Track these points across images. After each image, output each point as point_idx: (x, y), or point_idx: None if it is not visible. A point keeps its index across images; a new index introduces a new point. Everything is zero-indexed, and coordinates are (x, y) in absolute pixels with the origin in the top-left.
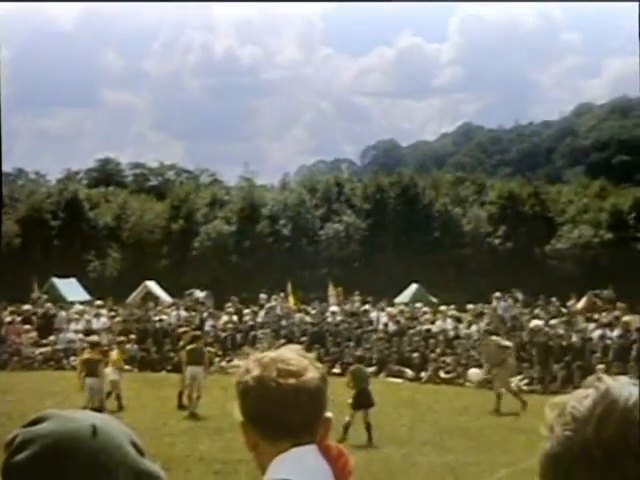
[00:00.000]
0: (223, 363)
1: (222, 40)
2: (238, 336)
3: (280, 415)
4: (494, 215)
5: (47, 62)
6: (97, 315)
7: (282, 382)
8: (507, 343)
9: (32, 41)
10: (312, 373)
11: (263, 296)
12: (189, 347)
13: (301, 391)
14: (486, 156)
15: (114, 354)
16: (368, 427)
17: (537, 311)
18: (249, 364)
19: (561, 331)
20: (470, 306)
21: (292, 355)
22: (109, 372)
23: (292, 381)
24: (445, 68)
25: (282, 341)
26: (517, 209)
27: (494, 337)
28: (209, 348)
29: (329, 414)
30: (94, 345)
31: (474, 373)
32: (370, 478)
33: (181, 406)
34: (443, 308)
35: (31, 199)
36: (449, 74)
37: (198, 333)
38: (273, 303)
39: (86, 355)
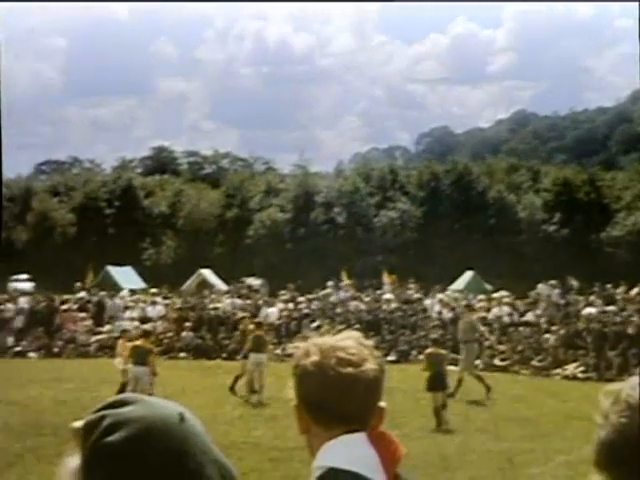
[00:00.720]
0: (278, 351)
1: (276, 28)
2: (292, 324)
3: (335, 403)
4: (549, 202)
5: (102, 51)
6: (152, 303)
7: (341, 371)
8: (481, 329)
9: (87, 30)
10: (371, 364)
11: (330, 283)
12: (254, 334)
13: (358, 381)
14: (541, 143)
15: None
16: (437, 411)
17: (592, 298)
18: (309, 347)
19: (618, 318)
20: (531, 293)
21: (352, 343)
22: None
23: (350, 370)
24: (500, 54)
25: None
26: (572, 196)
27: (474, 316)
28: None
29: (383, 403)
30: (147, 333)
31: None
32: (425, 466)
33: (232, 389)
34: (498, 295)
35: (86, 187)
36: (504, 60)
37: (260, 320)
38: (328, 290)
39: (137, 343)
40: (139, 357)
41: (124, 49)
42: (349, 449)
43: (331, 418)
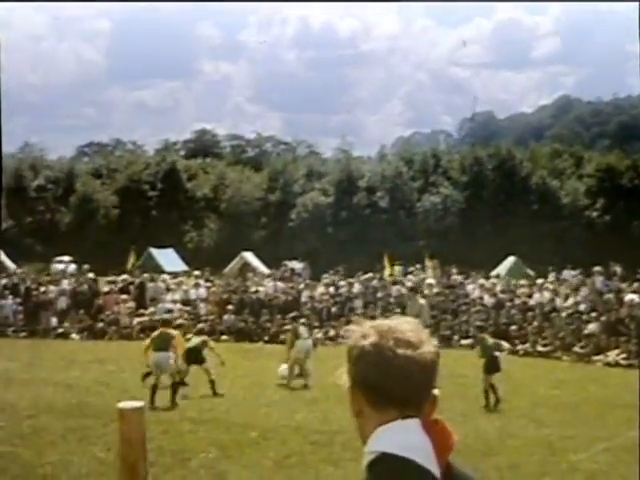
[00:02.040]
0: (319, 334)
1: (320, 12)
2: (334, 308)
3: (391, 384)
4: (592, 188)
5: (146, 34)
6: (196, 285)
7: (398, 352)
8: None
9: (130, 13)
10: (428, 347)
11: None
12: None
13: (416, 363)
14: (584, 128)
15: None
16: (486, 392)
17: (636, 285)
18: (365, 330)
19: None
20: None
21: (410, 327)
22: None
23: (408, 352)
24: (544, 40)
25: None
26: (615, 182)
27: (422, 300)
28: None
29: (436, 391)
30: (166, 322)
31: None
32: (466, 450)
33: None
34: (540, 281)
35: (129, 170)
36: (548, 46)
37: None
38: (370, 275)
39: (159, 330)
40: (162, 343)
41: (168, 32)
42: (403, 435)
43: (386, 401)
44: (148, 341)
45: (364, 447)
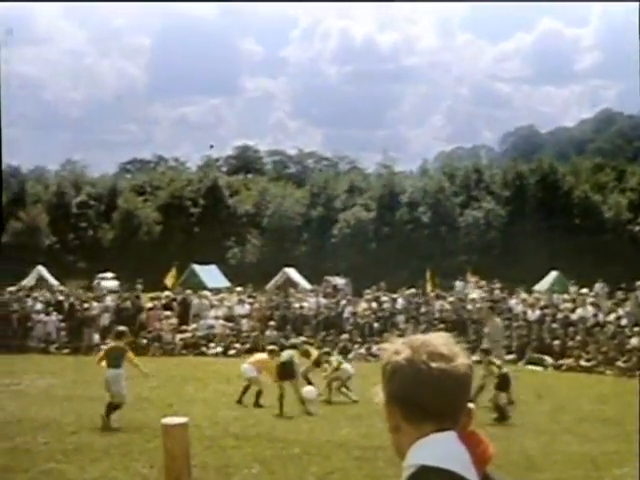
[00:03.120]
0: (362, 350)
1: (361, 26)
2: (376, 323)
3: (426, 397)
4: (635, 202)
5: (187, 50)
6: (240, 301)
7: (432, 365)
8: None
9: (172, 29)
10: (462, 359)
11: (459, 283)
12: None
13: (450, 376)
14: (626, 142)
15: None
16: (498, 407)
17: None
18: (398, 346)
19: None
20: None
21: (443, 340)
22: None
23: (442, 365)
24: (585, 53)
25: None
26: None
27: (497, 319)
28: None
29: (472, 405)
30: (119, 334)
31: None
32: (509, 466)
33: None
34: (583, 295)
35: (171, 186)
36: (589, 59)
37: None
38: (413, 290)
39: (112, 344)
40: (113, 359)
41: (210, 48)
42: (440, 447)
43: (422, 414)
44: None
45: (403, 462)
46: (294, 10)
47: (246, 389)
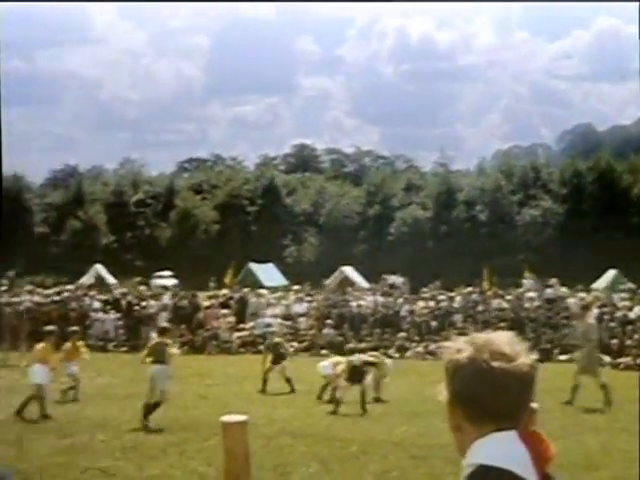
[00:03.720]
0: (419, 348)
1: (418, 25)
2: (434, 322)
3: (487, 397)
4: None
5: (244, 50)
6: (299, 300)
7: (494, 364)
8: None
9: (229, 28)
10: (524, 359)
11: (527, 282)
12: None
13: (511, 375)
14: None
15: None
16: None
17: None
18: (460, 344)
19: None
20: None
21: (505, 340)
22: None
23: (504, 364)
24: None
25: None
26: None
27: (591, 319)
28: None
29: (535, 405)
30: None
31: None
32: (568, 465)
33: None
34: None
35: (229, 185)
36: None
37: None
38: (470, 288)
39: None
40: (157, 355)
41: (267, 48)
42: (500, 446)
43: (483, 413)
44: (147, 350)
45: (463, 461)
46: (351, 9)
47: (325, 386)
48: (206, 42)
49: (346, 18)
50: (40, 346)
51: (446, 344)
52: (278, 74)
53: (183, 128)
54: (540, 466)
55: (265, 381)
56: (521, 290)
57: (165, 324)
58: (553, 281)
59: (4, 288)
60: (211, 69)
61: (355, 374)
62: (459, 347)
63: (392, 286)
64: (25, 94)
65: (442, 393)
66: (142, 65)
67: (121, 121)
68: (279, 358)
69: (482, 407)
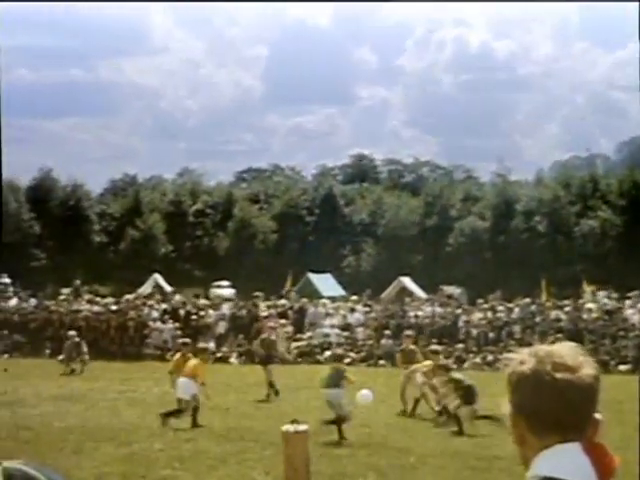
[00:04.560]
0: (477, 360)
1: (476, 35)
2: (491, 333)
3: (551, 409)
4: None
5: (302, 60)
6: (352, 310)
7: (557, 376)
8: None
9: (288, 39)
10: (587, 370)
11: (602, 293)
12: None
13: (574, 387)
14: None
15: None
16: None
17: None
18: (523, 356)
19: None
20: None
21: (568, 351)
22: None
23: (567, 376)
24: None
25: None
26: None
27: None
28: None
29: (599, 416)
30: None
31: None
32: (629, 477)
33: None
34: None
35: (287, 195)
36: None
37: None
38: (528, 299)
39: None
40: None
41: (325, 58)
42: (563, 458)
43: (546, 425)
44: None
45: (526, 473)
46: (409, 19)
47: (418, 401)
48: (265, 52)
49: (404, 28)
50: (192, 362)
51: (509, 356)
52: (336, 84)
53: (242, 138)
54: (604, 478)
55: None
56: (581, 301)
57: (186, 340)
58: (611, 292)
59: (63, 297)
60: (270, 79)
61: (467, 395)
62: (522, 359)
63: (450, 297)
64: (84, 104)
65: (505, 405)
66: (201, 75)
67: (180, 131)
68: None
69: (545, 419)
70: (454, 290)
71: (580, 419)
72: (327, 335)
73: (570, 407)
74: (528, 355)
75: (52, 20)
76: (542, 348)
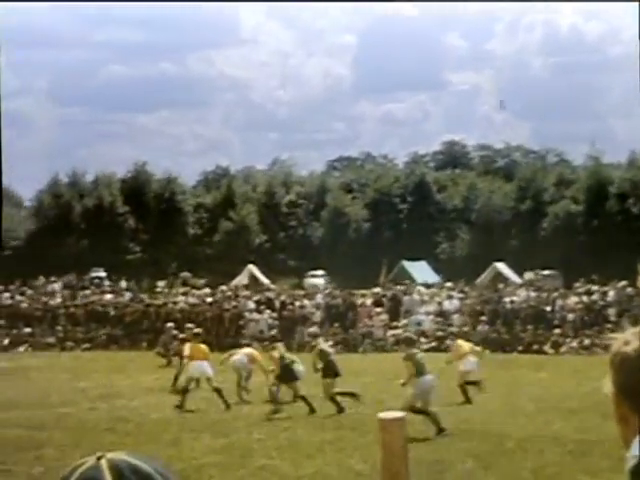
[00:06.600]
0: (574, 344)
1: (566, 17)
2: (587, 317)
3: None
4: None
5: (392, 47)
6: (449, 297)
7: None
8: None
9: (376, 27)
10: None
11: None
12: None
13: None
14: None
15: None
16: None
17: None
18: (628, 336)
19: None
20: None
21: None
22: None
23: None
24: None
25: None
26: None
27: None
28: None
29: None
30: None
31: None
32: None
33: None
34: None
35: (379, 183)
36: None
37: None
38: (625, 283)
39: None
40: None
41: (414, 44)
42: None
43: None
44: None
45: (626, 453)
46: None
47: None
48: (354, 41)
49: (493, 12)
50: (202, 347)
51: (614, 335)
52: (426, 70)
53: (332, 127)
54: None
55: None
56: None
57: (198, 330)
58: None
59: (159, 290)
60: (359, 67)
61: None
62: (627, 339)
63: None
64: (176, 96)
65: (607, 385)
66: (291, 65)
67: (271, 121)
68: None
69: None
70: (549, 274)
71: None
72: (420, 322)
73: None
74: (632, 335)
75: (142, 15)
76: None
